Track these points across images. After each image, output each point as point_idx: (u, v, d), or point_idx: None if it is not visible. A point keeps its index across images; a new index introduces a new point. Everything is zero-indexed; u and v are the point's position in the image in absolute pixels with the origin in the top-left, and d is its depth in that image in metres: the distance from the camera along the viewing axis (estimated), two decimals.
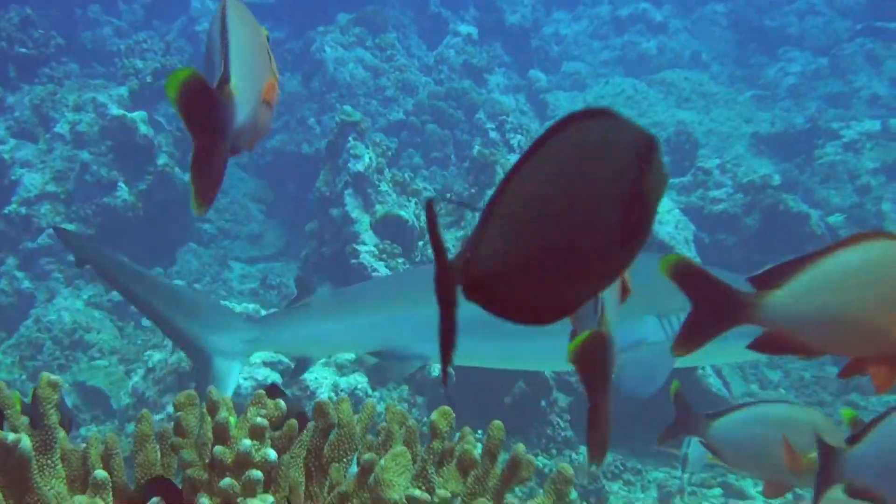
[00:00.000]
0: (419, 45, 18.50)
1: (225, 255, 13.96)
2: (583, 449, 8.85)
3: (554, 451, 8.59)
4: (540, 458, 8.37)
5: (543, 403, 8.96)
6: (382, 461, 3.09)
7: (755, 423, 4.45)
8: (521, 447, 3.29)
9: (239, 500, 3.04)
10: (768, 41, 21.75)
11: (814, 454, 4.02)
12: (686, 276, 3.24)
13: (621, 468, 8.67)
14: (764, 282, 3.23)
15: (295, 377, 8.07)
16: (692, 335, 3.28)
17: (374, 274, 10.09)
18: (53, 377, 3.25)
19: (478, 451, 3.29)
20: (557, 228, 2.03)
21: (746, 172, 13.64)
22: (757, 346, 3.31)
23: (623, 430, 9.08)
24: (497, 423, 3.34)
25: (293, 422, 3.28)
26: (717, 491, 8.48)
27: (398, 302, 7.18)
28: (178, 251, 13.33)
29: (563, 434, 8.81)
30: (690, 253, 10.44)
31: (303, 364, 7.24)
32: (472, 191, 10.98)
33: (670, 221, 10.45)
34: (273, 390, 3.52)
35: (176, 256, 13.27)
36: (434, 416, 3.25)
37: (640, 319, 6.71)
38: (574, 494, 8.08)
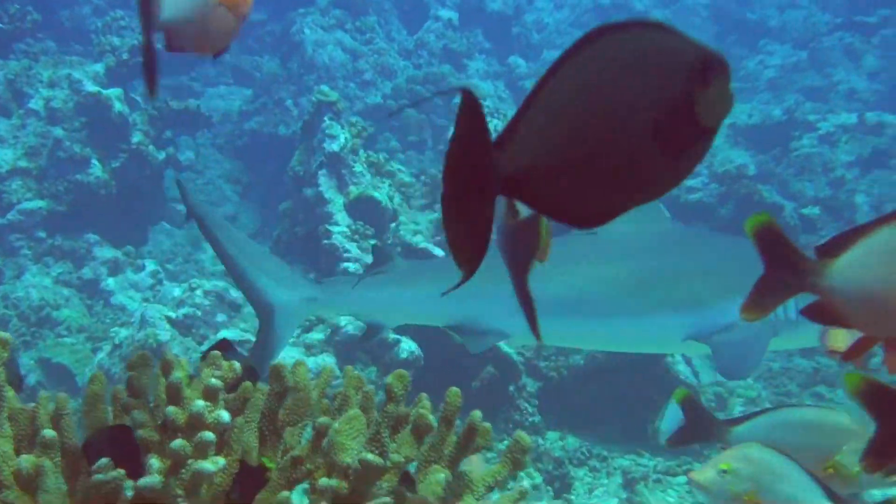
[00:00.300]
0: (399, 29, 18.46)
1: (198, 235, 13.84)
2: (549, 434, 8.84)
3: None
4: (507, 442, 8.33)
5: (512, 388, 8.94)
6: (336, 424, 3.05)
7: (780, 428, 4.40)
8: (477, 413, 3.26)
9: (190, 461, 2.99)
10: (749, 33, 21.76)
11: (841, 456, 4.06)
12: (766, 236, 3.25)
13: (587, 455, 8.64)
14: (826, 251, 3.21)
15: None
16: (761, 298, 3.30)
17: (345, 255, 10.04)
18: (4, 334, 3.20)
19: (434, 419, 3.26)
20: (593, 129, 2.01)
21: (722, 162, 13.67)
22: (808, 312, 3.29)
23: (590, 417, 9.07)
24: (454, 389, 3.31)
25: (248, 384, 3.24)
26: (682, 479, 8.47)
27: (479, 276, 7.17)
28: (151, 230, 13.23)
29: (530, 419, 8.78)
30: None
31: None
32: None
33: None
34: (224, 346, 3.47)
35: (148, 236, 13.16)
36: (389, 378, 3.21)
37: (732, 301, 6.61)
38: (539, 478, 8.08)
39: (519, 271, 2.58)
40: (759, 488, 4.02)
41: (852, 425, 4.23)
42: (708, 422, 4.59)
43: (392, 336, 8.63)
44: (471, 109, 1.96)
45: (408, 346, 8.59)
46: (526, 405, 8.87)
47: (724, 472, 4.05)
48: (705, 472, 4.06)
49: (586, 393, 9.07)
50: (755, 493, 4.00)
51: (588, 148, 2.01)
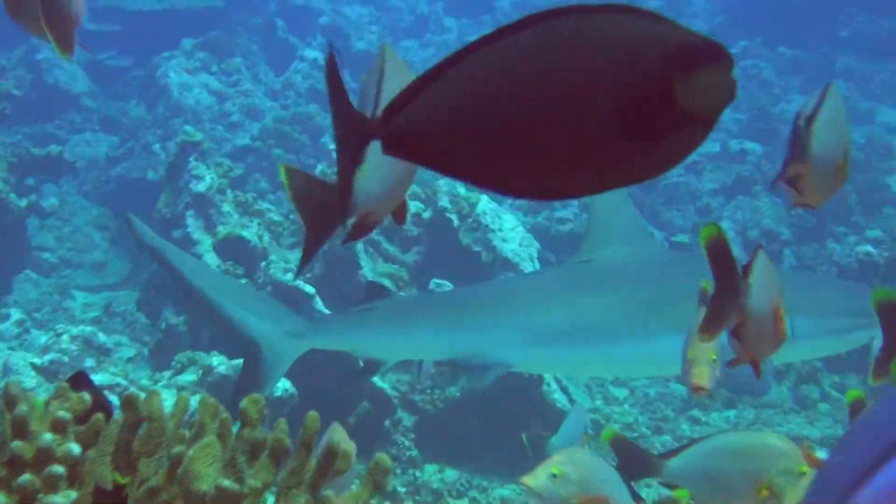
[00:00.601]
0: (266, 70, 18.40)
1: (66, 283, 13.58)
2: (427, 467, 8.79)
3: (398, 471, 8.50)
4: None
5: (387, 423, 8.88)
6: (191, 452, 2.98)
7: (713, 456, 4.44)
8: (337, 434, 3.21)
9: (40, 496, 2.89)
10: None
11: (774, 477, 4.14)
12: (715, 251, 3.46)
13: (466, 486, 8.61)
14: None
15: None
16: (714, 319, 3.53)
17: None
18: None
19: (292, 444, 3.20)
20: (516, 102, 2.00)
21: None
22: None
23: (468, 448, 9.04)
24: (312, 413, 3.26)
25: (99, 416, 3.14)
26: None
27: (474, 309, 7.40)
28: (15, 279, 12.91)
29: (407, 453, 8.73)
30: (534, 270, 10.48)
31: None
32: None
33: (515, 238, 10.47)
34: (80, 380, 3.38)
35: (13, 286, 12.85)
36: (244, 403, 3.14)
37: None
38: None
39: (316, 235, 2.64)
40: (586, 491, 4.09)
41: (782, 446, 4.32)
42: (641, 458, 4.63)
43: None
44: (330, 69, 2.00)
45: (282, 385, 8.48)
46: (402, 439, 8.82)
47: (555, 476, 4.12)
48: (537, 477, 4.11)
49: (463, 424, 9.04)
50: (583, 496, 4.08)
51: (502, 118, 2.00)
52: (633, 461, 4.65)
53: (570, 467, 4.14)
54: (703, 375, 4.41)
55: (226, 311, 7.36)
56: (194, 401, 3.31)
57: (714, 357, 4.48)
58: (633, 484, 4.36)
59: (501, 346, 7.04)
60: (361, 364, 7.69)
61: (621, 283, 7.20)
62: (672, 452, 4.60)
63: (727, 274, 3.60)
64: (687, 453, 4.52)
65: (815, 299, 7.15)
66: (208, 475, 2.93)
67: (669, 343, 6.91)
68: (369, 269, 9.97)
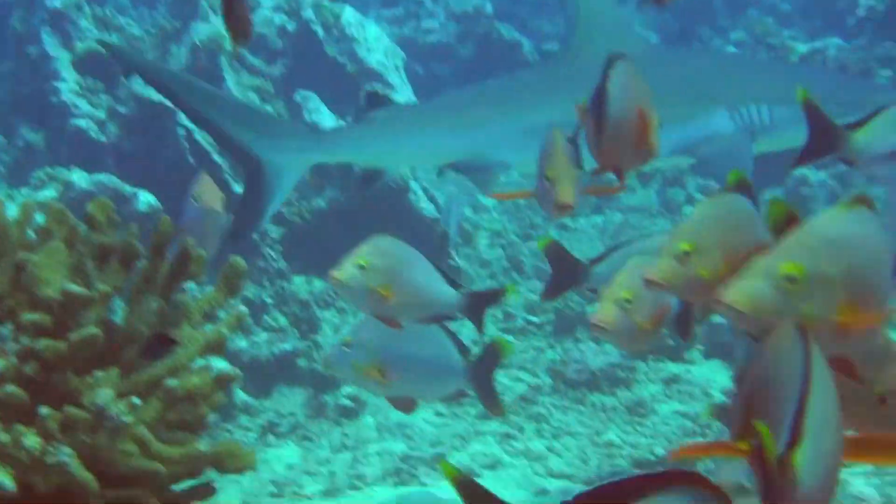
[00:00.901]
0: None
1: None
2: (296, 278, 8.77)
3: (266, 283, 8.48)
4: (251, 287, 8.24)
5: (255, 235, 8.83)
6: (36, 257, 2.92)
7: (637, 256, 4.44)
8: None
9: None
10: None
11: None
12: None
13: (334, 296, 8.60)
14: None
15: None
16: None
17: (75, 111, 9.66)
18: None
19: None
20: None
21: (459, 2, 13.65)
22: None
23: (335, 259, 9.02)
24: (165, 217, 3.22)
25: None
26: None
27: (472, 111, 7.36)
28: None
29: (275, 265, 8.69)
30: (401, 81, 10.36)
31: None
32: (177, 24, 10.58)
33: (379, 49, 10.32)
34: None
35: None
36: (90, 206, 3.09)
37: (710, 113, 7.09)
38: (284, 320, 8.06)
39: None
40: (393, 280, 4.14)
41: None
42: (573, 266, 4.63)
43: (128, 189, 8.35)
44: None
45: (145, 199, 8.34)
46: (269, 251, 8.77)
47: (362, 266, 4.11)
48: (344, 270, 4.12)
49: (331, 235, 9.02)
50: (389, 287, 4.11)
51: None
52: (566, 270, 4.67)
53: (377, 257, 4.15)
54: (568, 193, 4.32)
55: (223, 129, 7.11)
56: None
57: (575, 174, 4.39)
58: (445, 270, 4.41)
59: (501, 147, 7.10)
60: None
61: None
62: (599, 257, 4.64)
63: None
64: (611, 258, 4.56)
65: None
66: (54, 280, 2.89)
67: (663, 138, 7.06)
68: (233, 81, 9.78)
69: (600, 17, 7.46)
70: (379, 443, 6.98)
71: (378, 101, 7.45)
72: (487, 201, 11.10)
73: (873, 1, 11.49)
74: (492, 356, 4.56)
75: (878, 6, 11.43)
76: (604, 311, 3.85)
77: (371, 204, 8.92)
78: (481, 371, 4.51)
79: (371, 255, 4.16)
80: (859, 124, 3.82)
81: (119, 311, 3.11)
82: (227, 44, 8.99)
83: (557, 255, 4.71)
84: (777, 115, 6.93)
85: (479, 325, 4.33)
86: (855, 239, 2.42)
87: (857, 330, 2.35)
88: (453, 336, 4.52)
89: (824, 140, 3.79)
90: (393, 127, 7.29)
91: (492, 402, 4.62)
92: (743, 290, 2.35)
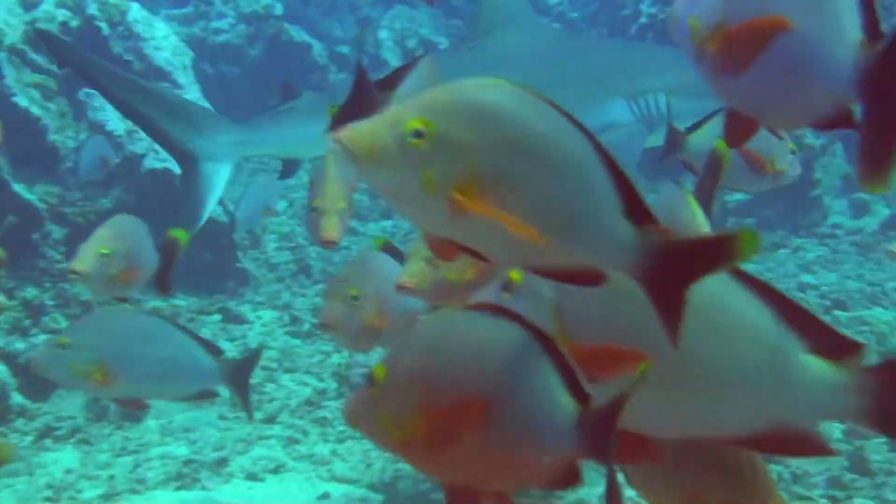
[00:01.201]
0: None
1: None
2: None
3: (48, 284, 8.30)
4: (31, 289, 8.06)
5: (37, 236, 8.63)
6: None
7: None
8: None
9: None
10: None
11: None
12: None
13: None
14: None
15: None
16: None
17: None
18: None
19: None
20: None
21: (249, 3, 13.59)
22: None
23: None
24: None
25: None
26: (216, 317, 8.55)
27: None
28: None
29: (56, 267, 8.51)
30: (189, 80, 10.26)
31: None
32: None
33: (167, 47, 10.20)
34: None
35: None
36: None
37: (608, 103, 7.15)
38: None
39: None
40: (134, 262, 4.04)
41: None
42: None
43: None
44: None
45: None
46: (53, 252, 8.59)
47: (104, 255, 3.98)
48: (84, 260, 3.97)
49: None
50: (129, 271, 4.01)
51: None
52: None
53: (118, 242, 4.03)
54: (333, 229, 4.07)
55: (156, 123, 7.07)
56: None
57: (343, 205, 4.16)
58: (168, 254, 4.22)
59: None
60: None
61: (511, 68, 7.23)
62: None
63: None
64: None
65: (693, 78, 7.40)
66: None
67: None
68: (14, 79, 9.53)
69: (504, 5, 7.62)
70: (162, 447, 6.91)
71: (293, 92, 7.41)
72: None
73: None
74: (252, 358, 4.50)
75: None
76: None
77: (163, 204, 8.83)
78: (238, 372, 4.36)
79: (111, 240, 4.02)
80: (695, 127, 4.12)
81: None
82: (8, 39, 8.81)
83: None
84: (676, 106, 7.04)
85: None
86: (506, 112, 1.95)
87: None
88: (196, 335, 4.29)
89: (674, 142, 4.11)
90: (307, 117, 7.20)
91: (245, 403, 4.49)
92: (361, 131, 1.90)
